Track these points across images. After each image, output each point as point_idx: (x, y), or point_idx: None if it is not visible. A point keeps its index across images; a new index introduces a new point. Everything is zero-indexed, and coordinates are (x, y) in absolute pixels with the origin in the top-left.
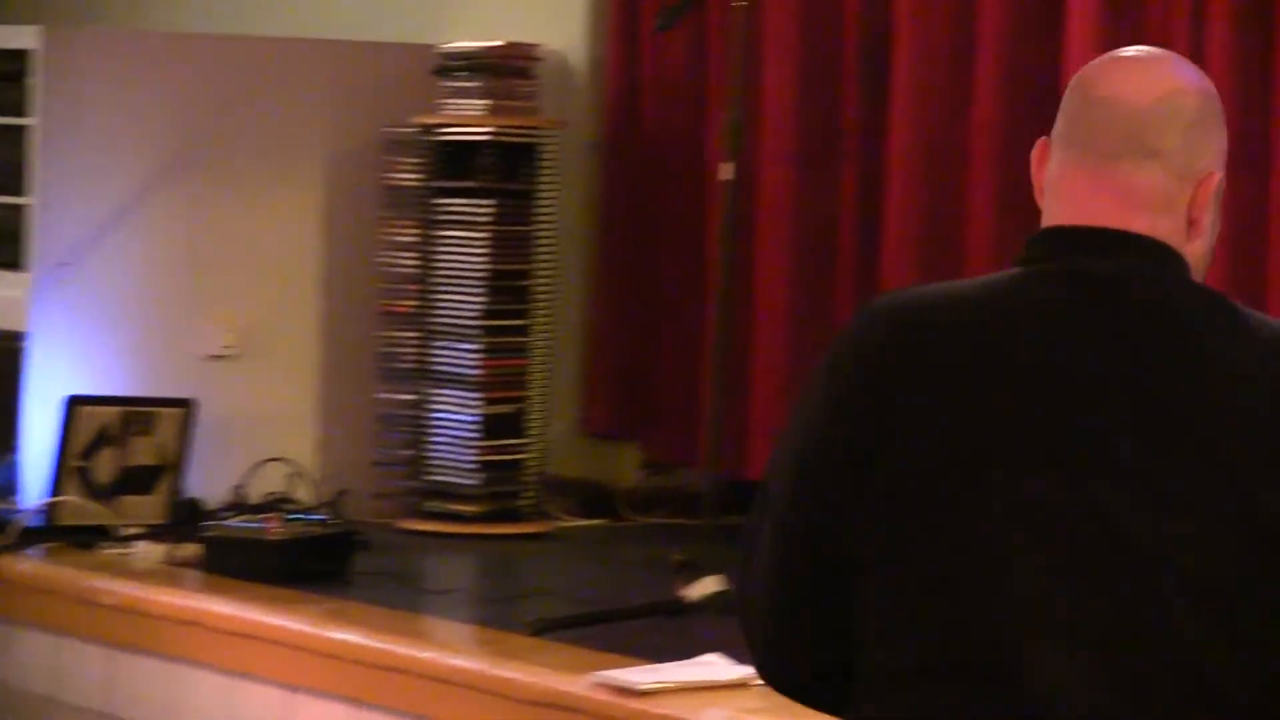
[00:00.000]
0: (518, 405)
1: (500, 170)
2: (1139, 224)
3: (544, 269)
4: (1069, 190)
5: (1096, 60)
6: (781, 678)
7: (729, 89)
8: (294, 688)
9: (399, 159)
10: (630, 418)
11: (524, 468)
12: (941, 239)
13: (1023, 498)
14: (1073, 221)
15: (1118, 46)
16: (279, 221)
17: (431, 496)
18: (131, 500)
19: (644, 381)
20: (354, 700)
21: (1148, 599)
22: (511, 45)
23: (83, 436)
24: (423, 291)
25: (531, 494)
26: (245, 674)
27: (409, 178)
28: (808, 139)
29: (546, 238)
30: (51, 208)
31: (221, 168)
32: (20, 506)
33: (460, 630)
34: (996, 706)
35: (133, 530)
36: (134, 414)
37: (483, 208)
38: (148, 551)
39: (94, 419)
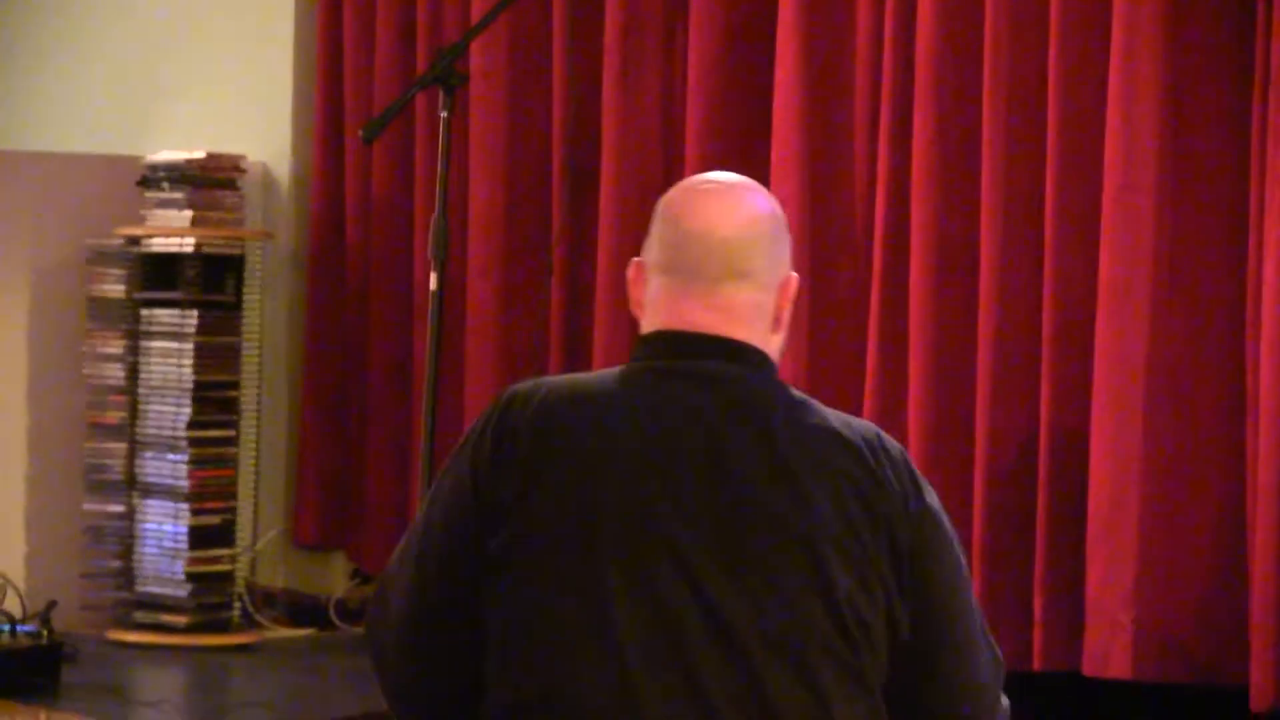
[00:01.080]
0: (226, 516)
1: (205, 282)
2: (738, 333)
3: (250, 380)
4: (676, 307)
5: (680, 190)
6: (410, 707)
7: (435, 200)
8: None
9: (103, 270)
10: (339, 527)
11: (233, 578)
12: None
13: (621, 569)
14: (681, 328)
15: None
16: None
17: (140, 608)
18: None
19: (352, 491)
20: None
21: (740, 667)
22: (215, 156)
23: None
24: (129, 403)
25: (240, 604)
26: None
27: (114, 289)
28: (515, 250)
29: (253, 348)
30: None
31: None
32: None
33: None
34: None
35: None
36: None
37: (188, 319)
38: None
39: None
